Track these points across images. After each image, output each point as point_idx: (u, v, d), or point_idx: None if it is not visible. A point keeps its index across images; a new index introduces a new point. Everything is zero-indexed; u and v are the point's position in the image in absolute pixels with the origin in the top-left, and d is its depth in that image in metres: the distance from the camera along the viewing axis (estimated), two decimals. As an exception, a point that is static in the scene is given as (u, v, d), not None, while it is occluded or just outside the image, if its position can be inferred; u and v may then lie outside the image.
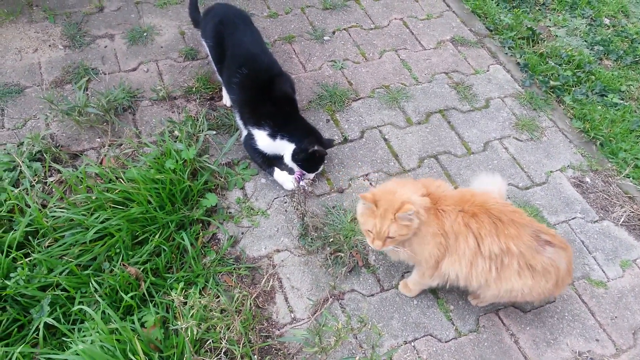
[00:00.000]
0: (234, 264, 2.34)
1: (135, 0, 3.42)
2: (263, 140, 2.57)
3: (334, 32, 3.46)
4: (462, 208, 1.96)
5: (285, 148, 2.57)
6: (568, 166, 2.90)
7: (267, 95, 2.56)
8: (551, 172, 2.86)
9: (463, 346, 2.20)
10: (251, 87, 2.57)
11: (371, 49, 3.39)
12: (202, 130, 2.72)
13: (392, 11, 3.66)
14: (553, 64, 3.46)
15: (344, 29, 3.49)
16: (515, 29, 3.66)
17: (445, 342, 2.21)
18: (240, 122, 2.67)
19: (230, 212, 2.52)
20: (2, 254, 2.09)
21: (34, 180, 2.42)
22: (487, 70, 3.36)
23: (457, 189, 2.08)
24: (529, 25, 3.67)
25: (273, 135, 2.54)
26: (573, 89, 3.33)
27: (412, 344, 2.19)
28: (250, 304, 2.18)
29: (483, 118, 3.07)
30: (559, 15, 3.98)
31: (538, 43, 3.62)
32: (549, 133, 3.05)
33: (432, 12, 3.70)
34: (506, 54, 3.51)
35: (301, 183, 2.58)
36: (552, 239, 2.02)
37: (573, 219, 2.67)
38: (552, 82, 3.32)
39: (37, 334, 1.94)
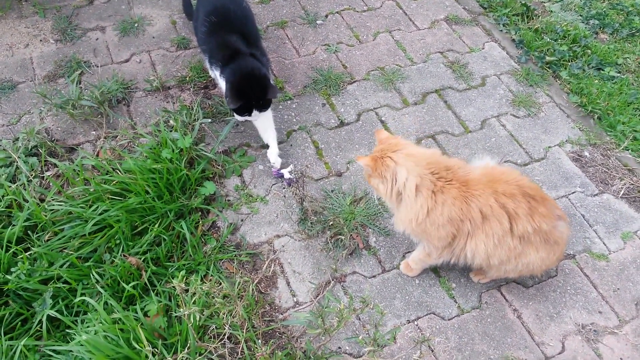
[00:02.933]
0: (234, 251, 2.34)
1: (125, -9, 3.39)
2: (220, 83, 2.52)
3: (326, 16, 3.43)
4: (495, 189, 1.92)
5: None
6: (566, 141, 2.89)
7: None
8: (549, 147, 2.85)
9: (466, 323, 2.21)
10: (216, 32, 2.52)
11: (365, 31, 3.36)
12: (198, 119, 2.70)
13: (385, -8, 3.63)
14: (548, 39, 3.44)
15: (337, 12, 3.46)
16: (510, 5, 3.62)
17: (448, 319, 2.22)
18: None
19: (229, 200, 2.52)
20: (2, 249, 2.09)
21: (31, 175, 2.41)
22: (483, 48, 3.33)
23: (482, 167, 2.03)
24: (523, 2, 3.63)
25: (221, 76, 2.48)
26: (569, 63, 3.30)
27: (415, 322, 2.20)
28: (253, 289, 2.18)
29: (480, 96, 3.05)
30: (553, -10, 3.94)
31: (533, 19, 3.59)
32: (546, 109, 3.04)
33: (424, -9, 3.66)
34: (501, 31, 3.48)
35: (285, 176, 2.57)
36: (560, 213, 2.05)
37: (573, 193, 2.66)
38: (548, 58, 3.30)
39: (41, 327, 1.95)
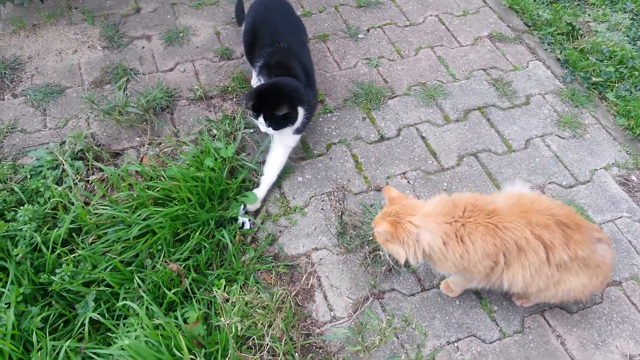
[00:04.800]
0: (272, 262, 2.34)
1: (171, 2, 3.46)
2: None
3: (368, 30, 3.43)
4: (529, 220, 1.88)
5: None
6: (613, 164, 2.81)
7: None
8: (595, 170, 2.77)
9: (508, 347, 2.15)
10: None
11: (406, 46, 3.35)
12: (240, 129, 2.72)
13: (427, 8, 3.62)
14: (594, 59, 3.37)
15: (379, 27, 3.46)
16: (554, 24, 3.57)
17: (490, 343, 2.16)
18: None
19: (267, 211, 2.52)
20: (48, 250, 2.12)
21: (77, 178, 2.46)
22: (527, 67, 3.28)
23: (507, 196, 2.00)
24: (569, 21, 3.58)
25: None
26: (616, 85, 3.23)
27: (456, 344, 2.15)
28: (290, 301, 2.16)
29: (524, 115, 3.00)
30: (598, 10, 3.87)
31: (578, 39, 3.53)
32: (592, 130, 2.96)
33: (468, 8, 3.64)
34: (545, 49, 3.42)
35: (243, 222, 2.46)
36: (601, 236, 2.00)
37: (619, 218, 2.58)
38: (594, 79, 3.23)
39: (83, 329, 1.97)
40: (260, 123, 2.40)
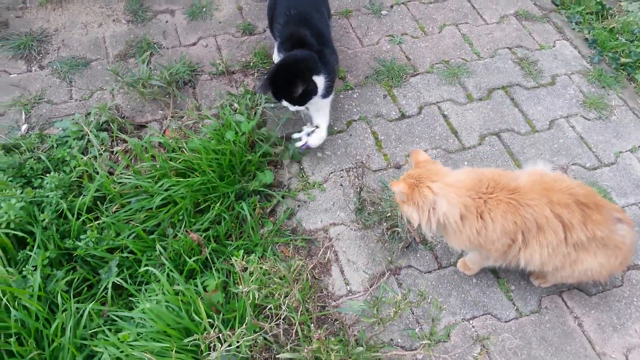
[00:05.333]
0: (290, 236, 2.36)
1: (195, -24, 3.46)
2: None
3: (392, 7, 3.39)
4: (550, 198, 1.86)
5: None
6: (639, 147, 2.75)
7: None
8: (620, 152, 2.72)
9: (524, 326, 2.15)
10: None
11: (430, 24, 3.30)
12: (260, 104, 2.73)
13: (453, -15, 3.55)
14: (624, 40, 3.27)
15: (402, 3, 3.41)
16: (584, 3, 3.47)
17: (505, 321, 2.16)
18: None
19: (286, 185, 2.54)
20: (73, 217, 2.19)
21: (101, 148, 2.51)
22: (553, 46, 3.21)
23: (530, 172, 1.98)
24: (598, 0, 3.47)
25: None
26: (646, 66, 3.14)
27: (471, 322, 2.15)
28: (307, 274, 2.19)
29: (549, 95, 2.95)
30: (631, -11, 3.74)
31: (608, 18, 3.43)
32: (619, 112, 2.90)
33: (494, -15, 3.56)
34: (573, 29, 3.34)
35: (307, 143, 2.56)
36: (622, 216, 1.98)
37: (644, 201, 2.54)
38: (622, 59, 3.14)
39: (106, 293, 2.03)
40: (287, 105, 2.42)
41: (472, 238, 1.89)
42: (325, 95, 2.49)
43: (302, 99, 2.37)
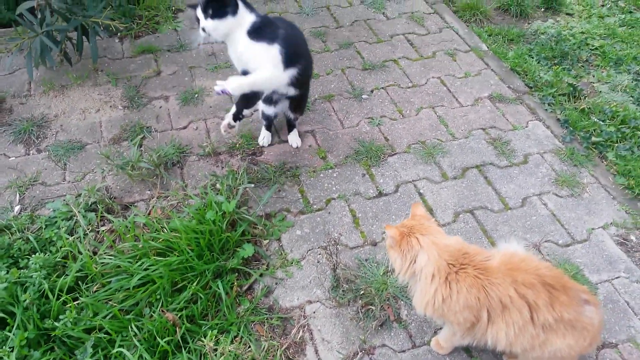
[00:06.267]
0: (266, 314, 2.40)
1: (189, 65, 3.72)
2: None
3: (372, 91, 3.61)
4: (515, 278, 1.92)
5: None
6: (611, 223, 2.81)
7: None
8: (593, 229, 2.78)
9: (497, 409, 2.12)
10: None
11: (408, 106, 3.49)
12: (242, 183, 2.86)
13: (430, 70, 3.78)
14: (595, 119, 3.43)
15: (382, 88, 3.63)
16: (556, 85, 3.67)
17: (478, 403, 2.14)
18: None
19: (265, 262, 2.61)
20: (54, 297, 2.25)
21: (88, 229, 2.62)
22: (526, 126, 3.37)
23: (502, 253, 2.06)
24: (570, 82, 3.67)
25: None
26: (617, 144, 3.27)
27: (443, 403, 2.14)
28: (281, 354, 2.21)
29: (521, 174, 3.06)
30: (602, 72, 3.97)
31: (580, 99, 3.61)
32: (591, 189, 2.99)
33: (470, 70, 3.79)
34: (546, 110, 3.51)
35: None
36: (589, 298, 2.01)
37: (617, 278, 2.57)
38: (594, 138, 3.28)
39: (79, 375, 2.06)
40: (199, 17, 2.53)
41: (435, 304, 1.94)
42: (254, 37, 2.52)
43: (214, 11, 2.46)
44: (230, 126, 2.80)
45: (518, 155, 3.17)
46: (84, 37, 3.47)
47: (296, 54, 2.63)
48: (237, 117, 2.78)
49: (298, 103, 2.98)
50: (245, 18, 2.54)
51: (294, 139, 3.22)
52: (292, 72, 2.63)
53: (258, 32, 2.54)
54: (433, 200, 2.91)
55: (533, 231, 2.76)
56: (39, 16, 3.31)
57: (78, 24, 3.36)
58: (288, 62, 2.58)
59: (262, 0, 4.40)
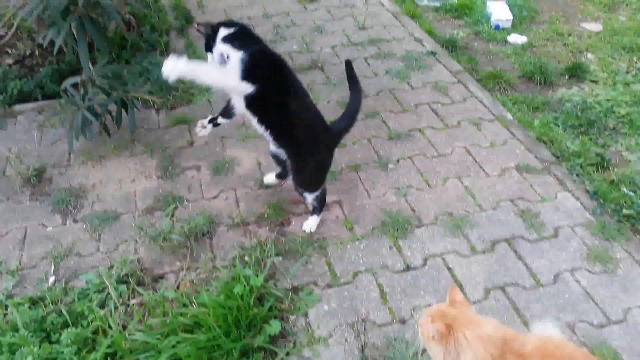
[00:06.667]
0: (293, 395, 2.36)
1: (221, 135, 3.86)
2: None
3: (398, 160, 3.66)
4: None
5: None
6: (649, 302, 2.72)
7: None
8: (629, 309, 2.69)
9: None
10: None
11: (434, 176, 3.52)
12: (270, 256, 2.89)
13: (456, 140, 3.83)
14: (626, 191, 3.38)
15: (408, 157, 3.68)
16: (583, 155, 3.65)
17: None
18: None
19: (292, 340, 2.59)
20: (83, 374, 2.28)
21: (119, 301, 2.66)
22: (555, 198, 3.34)
23: (537, 338, 2.01)
24: (598, 152, 3.66)
25: None
26: (650, 217, 3.20)
27: None
28: None
29: (552, 248, 3.01)
30: (631, 140, 3.94)
31: (608, 169, 3.58)
32: (625, 265, 2.91)
33: (495, 140, 3.82)
34: (574, 181, 3.49)
35: None
36: None
37: (659, 364, 2.45)
38: (625, 211, 3.23)
39: None
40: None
41: None
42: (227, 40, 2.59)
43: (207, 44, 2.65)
44: (202, 125, 2.92)
45: (548, 229, 3.13)
46: (123, 109, 3.66)
47: (264, 74, 2.59)
48: (212, 120, 2.91)
49: (293, 169, 2.93)
50: (232, 56, 2.57)
51: (306, 223, 3.13)
52: (249, 88, 2.55)
53: (232, 38, 2.61)
54: (462, 275, 2.87)
55: (566, 310, 2.68)
56: (82, 91, 3.52)
57: (119, 98, 3.56)
58: (248, 73, 2.52)
59: (291, 71, 4.58)
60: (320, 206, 3.09)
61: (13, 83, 4.18)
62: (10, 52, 4.79)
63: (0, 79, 4.22)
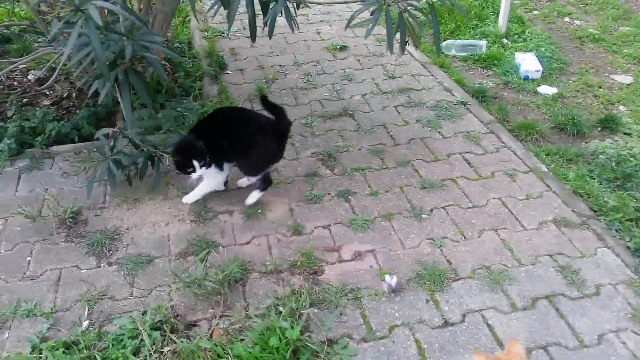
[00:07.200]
0: None
1: (255, 179, 3.88)
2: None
3: (431, 210, 3.62)
4: None
5: None
6: (702, 369, 2.59)
7: None
8: (682, 375, 2.57)
9: None
10: None
11: (470, 228, 3.47)
12: (305, 307, 2.84)
13: (490, 191, 3.80)
14: (669, 247, 3.29)
15: (442, 207, 3.65)
16: (622, 210, 3.58)
17: None
18: None
19: (328, 396, 2.51)
20: None
21: (152, 349, 2.62)
22: (595, 254, 3.26)
23: None
24: (636, 207, 3.59)
25: None
26: (696, 276, 3.09)
27: None
28: None
29: (594, 306, 2.91)
30: (671, 192, 3.86)
31: (648, 225, 3.50)
32: (674, 328, 2.80)
33: (531, 192, 3.78)
34: (614, 236, 3.41)
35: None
36: None
37: None
38: (669, 269, 3.13)
39: None
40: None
41: None
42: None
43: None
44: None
45: (589, 286, 3.04)
46: (149, 162, 3.67)
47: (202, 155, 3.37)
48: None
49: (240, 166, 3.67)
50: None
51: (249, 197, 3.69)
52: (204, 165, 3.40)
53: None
54: (503, 332, 2.78)
55: (611, 376, 2.57)
56: (111, 142, 3.58)
57: (147, 155, 3.59)
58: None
59: (322, 119, 4.64)
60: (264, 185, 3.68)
61: (51, 125, 4.29)
62: (48, 93, 4.95)
63: (40, 120, 4.33)
